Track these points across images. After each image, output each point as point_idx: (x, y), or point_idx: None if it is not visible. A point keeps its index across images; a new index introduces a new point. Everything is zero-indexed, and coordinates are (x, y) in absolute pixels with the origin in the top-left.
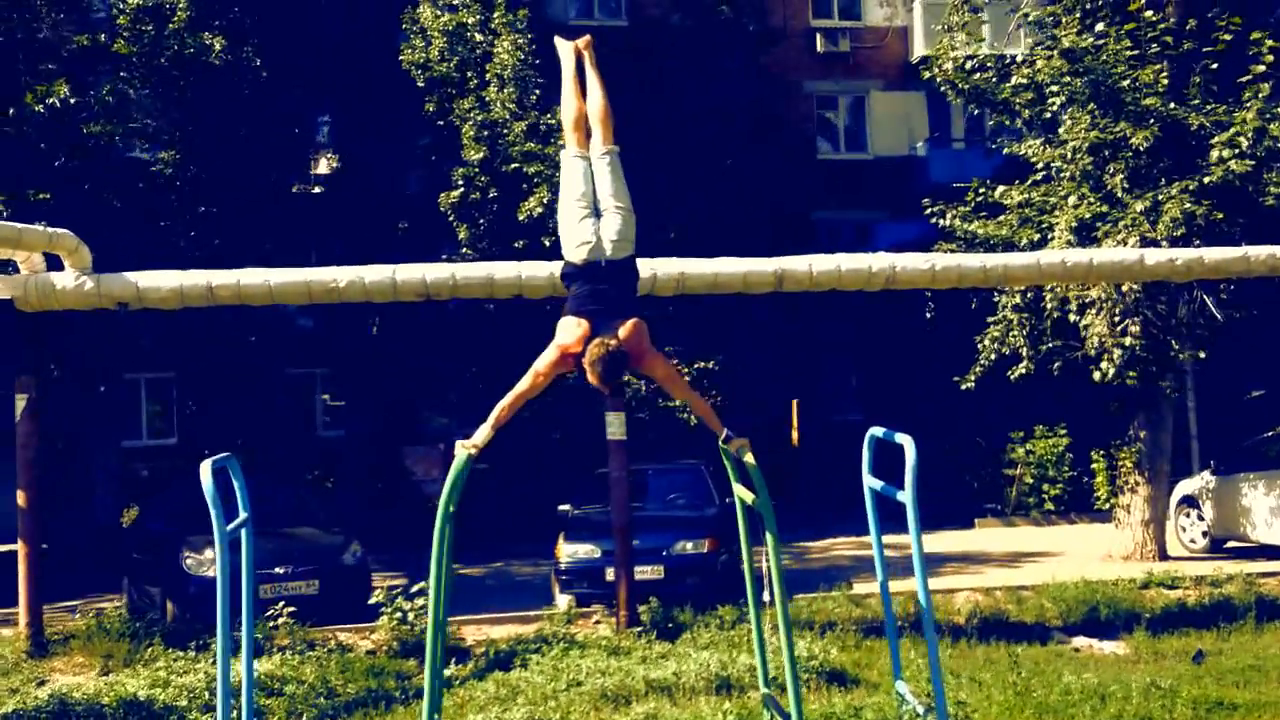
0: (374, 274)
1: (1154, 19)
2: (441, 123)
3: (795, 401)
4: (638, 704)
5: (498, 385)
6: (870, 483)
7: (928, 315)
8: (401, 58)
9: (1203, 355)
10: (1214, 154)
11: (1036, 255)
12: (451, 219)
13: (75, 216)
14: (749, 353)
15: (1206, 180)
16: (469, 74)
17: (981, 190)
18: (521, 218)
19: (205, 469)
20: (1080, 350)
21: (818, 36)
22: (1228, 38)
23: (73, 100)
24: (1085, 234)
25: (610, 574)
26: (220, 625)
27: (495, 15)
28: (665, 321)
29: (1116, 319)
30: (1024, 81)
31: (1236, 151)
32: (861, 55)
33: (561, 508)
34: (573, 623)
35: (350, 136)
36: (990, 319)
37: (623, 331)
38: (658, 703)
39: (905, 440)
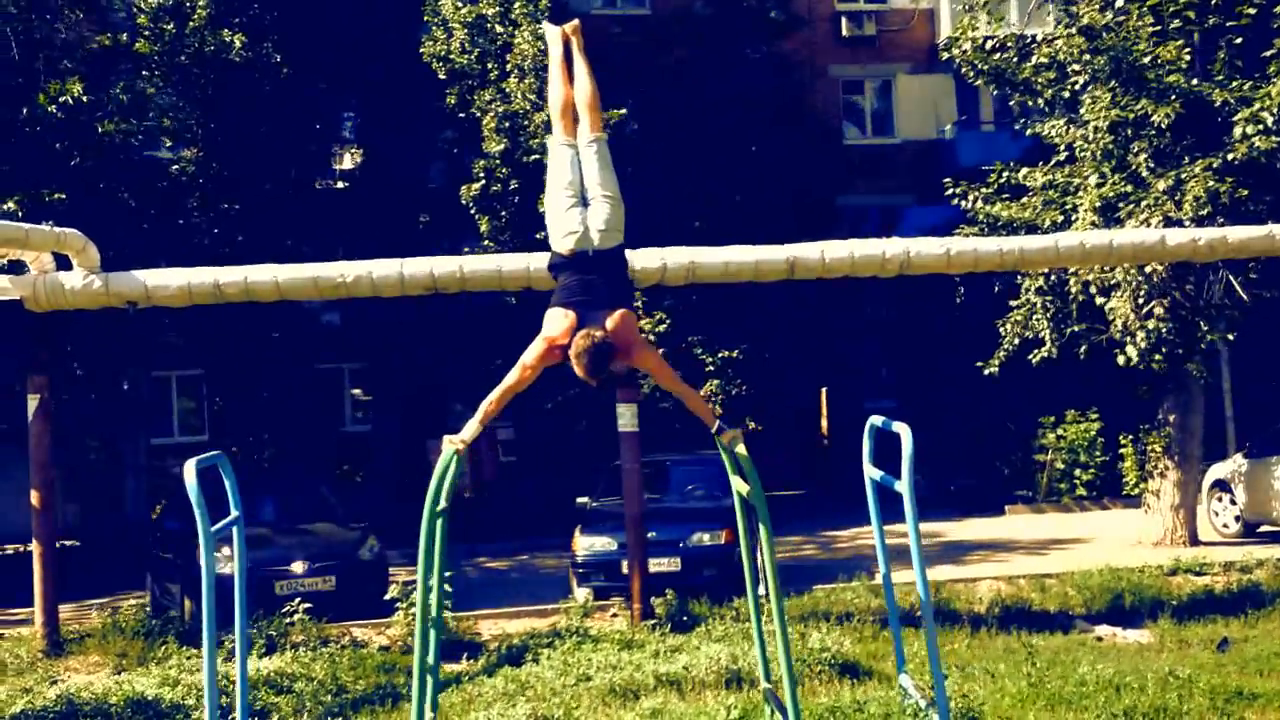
0: (381, 268)
1: None
2: (463, 115)
3: (824, 390)
4: (646, 699)
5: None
6: (870, 473)
7: (957, 300)
8: (422, 50)
9: (1231, 337)
10: (1237, 130)
11: (1054, 238)
12: (473, 211)
13: (90, 216)
14: (775, 341)
15: (1230, 157)
16: (490, 65)
17: (1005, 172)
18: (542, 209)
19: (189, 469)
20: (1105, 333)
21: (843, 20)
22: (1252, 11)
23: (85, 99)
24: (1109, 215)
25: (627, 566)
26: (205, 626)
27: (516, 5)
28: (689, 310)
29: (1141, 301)
30: (1045, 61)
31: (1261, 128)
32: (887, 38)
33: (580, 500)
34: (589, 616)
35: (372, 130)
36: (1013, 302)
37: (610, 323)
38: (665, 697)
39: (902, 429)
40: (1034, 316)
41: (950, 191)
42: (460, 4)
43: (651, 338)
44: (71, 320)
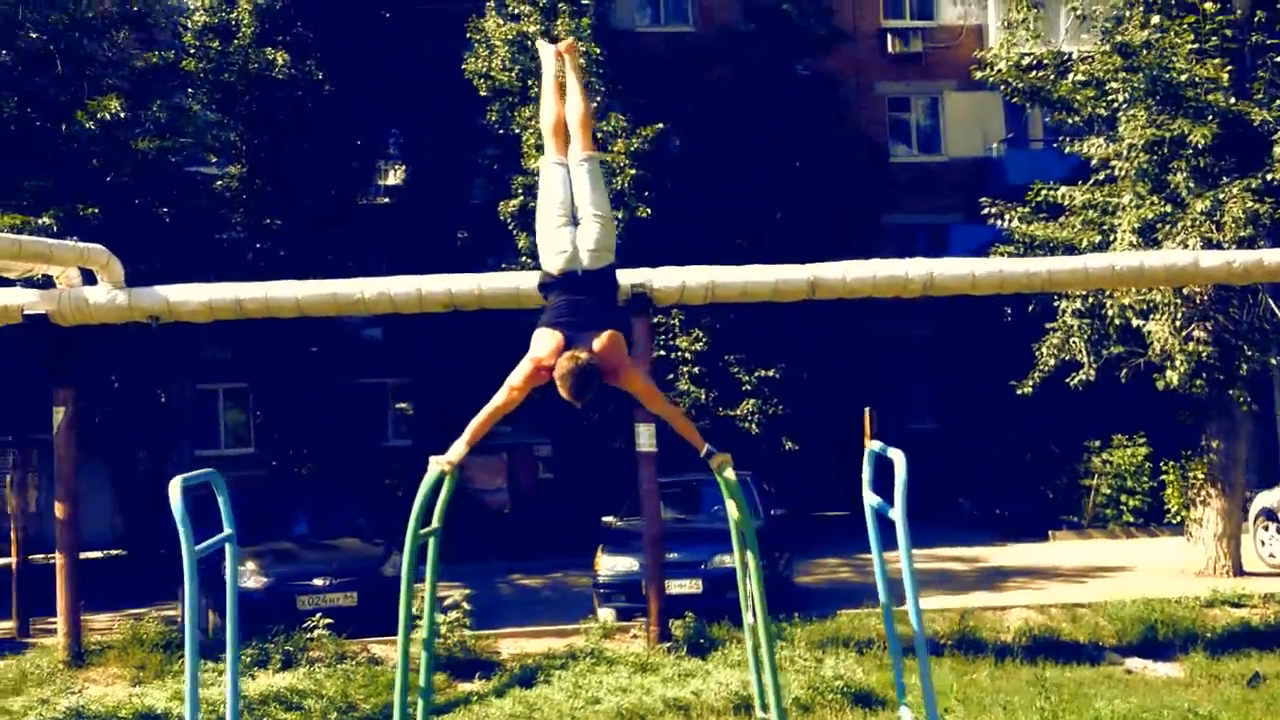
0: (399, 286)
1: (1214, 10)
2: (503, 132)
3: (868, 410)
4: None
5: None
6: (869, 499)
7: (1005, 320)
8: (464, 67)
9: (1275, 362)
10: (1278, 150)
11: (1084, 259)
12: (511, 227)
13: (125, 232)
14: (815, 360)
15: (1271, 178)
16: (531, 83)
17: (1044, 191)
18: None
19: (174, 487)
20: (1144, 357)
21: (889, 37)
22: None
23: (123, 115)
24: (1148, 235)
25: None
26: (188, 642)
27: (559, 23)
28: (726, 329)
29: (1180, 324)
30: (1082, 79)
31: None
32: (935, 55)
33: (605, 519)
34: (609, 637)
35: (415, 147)
36: (1049, 324)
37: (597, 344)
38: None
39: (896, 455)
40: (1071, 338)
41: (987, 211)
42: (502, 21)
43: (688, 356)
44: (111, 334)
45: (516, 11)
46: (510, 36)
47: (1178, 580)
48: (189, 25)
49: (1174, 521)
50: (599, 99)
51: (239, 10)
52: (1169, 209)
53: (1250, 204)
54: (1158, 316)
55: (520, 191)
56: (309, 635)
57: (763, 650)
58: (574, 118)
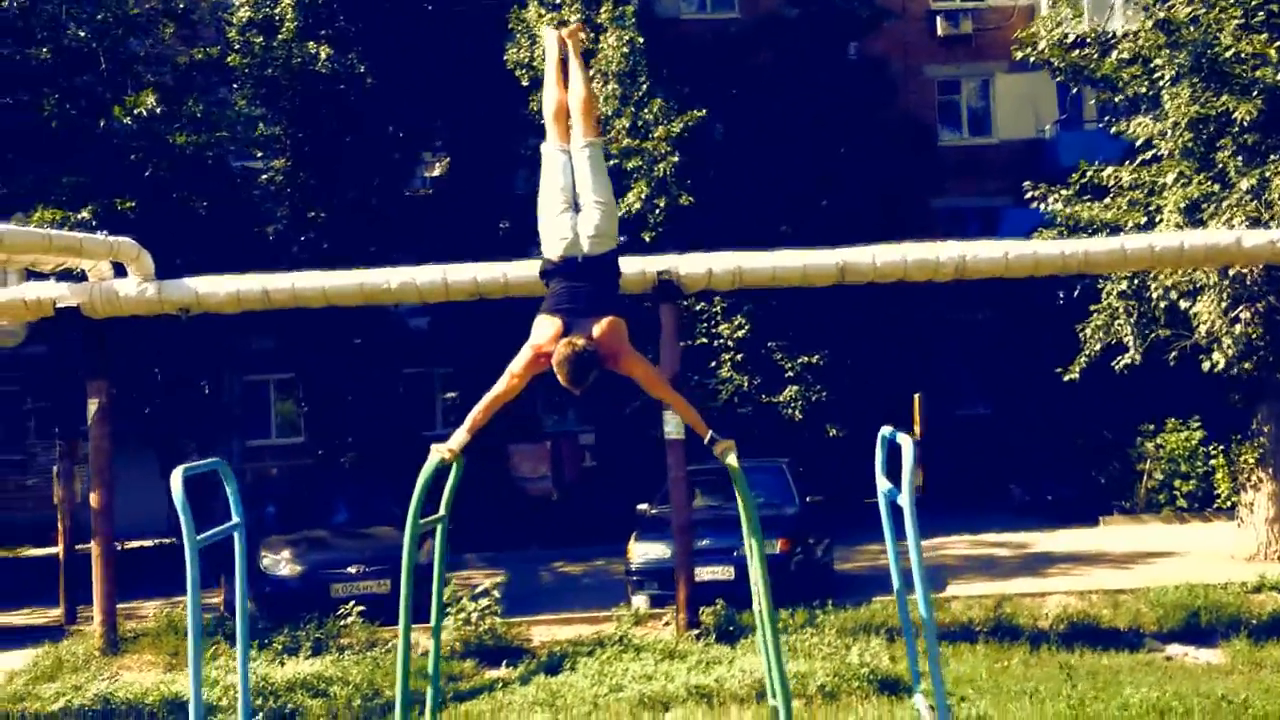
0: (425, 275)
1: None
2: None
3: (918, 395)
4: (674, 711)
5: (611, 380)
6: (882, 485)
7: (1059, 303)
8: (506, 58)
9: None
10: None
11: (1121, 240)
12: None
13: (162, 226)
14: (860, 345)
15: None
16: None
17: (1089, 172)
18: (621, 213)
19: (176, 477)
20: (1191, 339)
21: (938, 19)
22: None
23: (159, 110)
24: (1194, 215)
25: None
26: (191, 635)
27: (602, 10)
28: (768, 315)
29: (1224, 305)
30: (1126, 56)
31: None
32: (985, 37)
33: (640, 507)
34: (641, 624)
35: (457, 138)
36: (1093, 306)
37: (596, 330)
38: (693, 710)
39: (904, 440)
40: (1116, 321)
41: (1030, 194)
42: (544, 11)
43: (730, 343)
44: (150, 326)
45: (558, 1)
46: (552, 25)
47: (1227, 566)
48: (232, 21)
49: (1226, 506)
50: (643, 87)
51: (281, 5)
52: (1215, 188)
53: None
54: (1203, 297)
55: None
56: (342, 623)
57: (768, 636)
58: (576, 103)
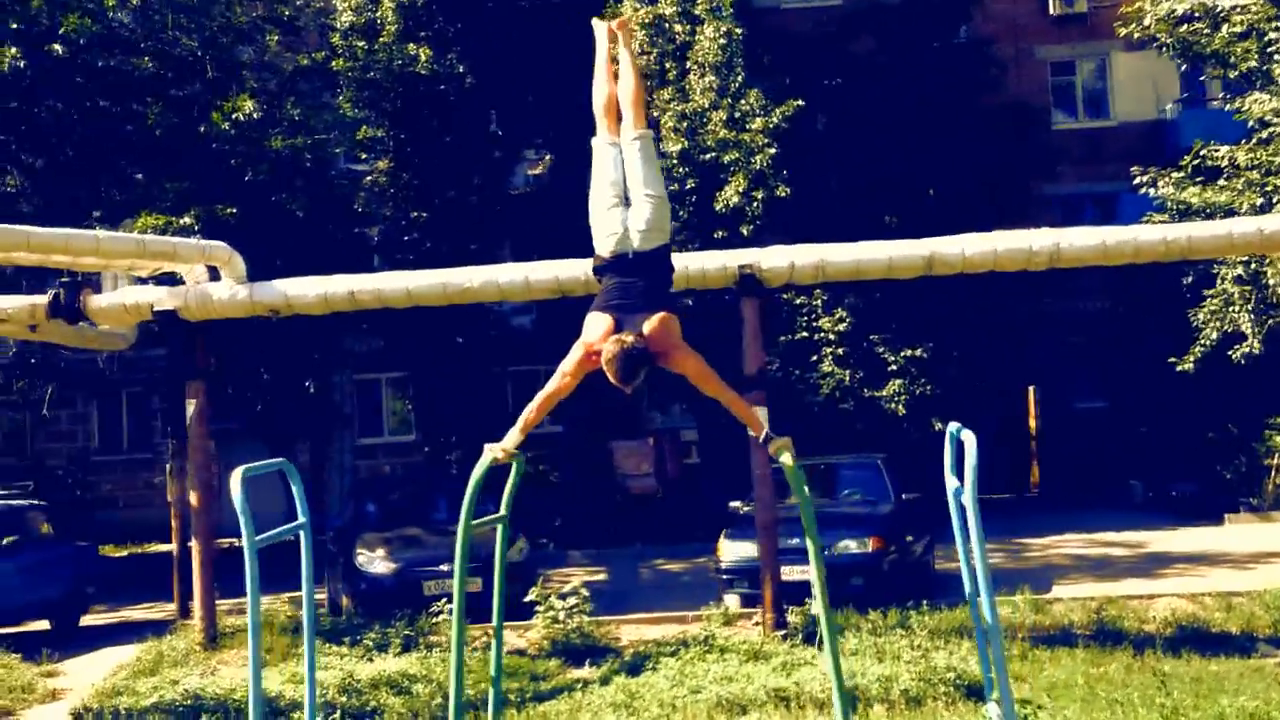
0: (507, 274)
1: None
2: None
3: (1032, 389)
4: (750, 714)
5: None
6: (951, 483)
7: (1184, 293)
8: None
9: None
10: None
11: (1228, 224)
12: None
13: (262, 229)
14: (967, 338)
15: None
16: (668, 65)
17: (1204, 153)
18: (719, 207)
19: (235, 478)
20: None
21: None
22: None
23: (255, 115)
24: None
25: None
26: (250, 634)
27: (699, 2)
28: (870, 308)
29: None
30: (1238, 30)
31: None
32: (1101, 15)
33: (732, 504)
34: (730, 624)
35: (557, 136)
36: (1207, 292)
37: (647, 327)
38: (770, 714)
39: (967, 436)
40: (1231, 307)
41: (1138, 180)
42: (640, 5)
43: (831, 337)
44: (261, 327)
45: None
46: (647, 20)
47: None
48: (336, 25)
49: None
50: (740, 78)
51: (383, 9)
52: None
53: None
54: None
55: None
56: (433, 620)
57: (825, 639)
58: (626, 96)
